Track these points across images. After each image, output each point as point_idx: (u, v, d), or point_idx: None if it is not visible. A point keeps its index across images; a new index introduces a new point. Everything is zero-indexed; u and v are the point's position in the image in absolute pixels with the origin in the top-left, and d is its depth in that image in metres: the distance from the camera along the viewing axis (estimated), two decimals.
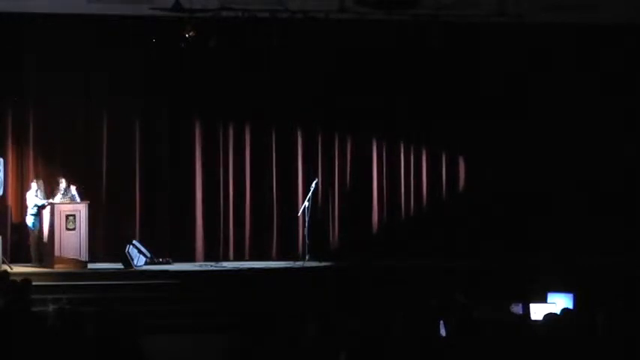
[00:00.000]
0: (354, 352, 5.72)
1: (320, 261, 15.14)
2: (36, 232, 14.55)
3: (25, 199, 14.74)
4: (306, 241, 15.14)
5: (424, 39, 15.28)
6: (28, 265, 14.49)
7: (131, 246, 14.71)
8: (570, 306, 9.50)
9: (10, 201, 15.11)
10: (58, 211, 14.07)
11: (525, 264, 14.58)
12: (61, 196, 14.48)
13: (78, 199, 14.43)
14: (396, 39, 15.48)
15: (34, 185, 14.64)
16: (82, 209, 14.22)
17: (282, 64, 15.73)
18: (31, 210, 14.54)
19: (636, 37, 16.37)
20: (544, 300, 9.73)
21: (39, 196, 14.52)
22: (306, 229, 15.14)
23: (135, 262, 14.50)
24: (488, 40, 15.80)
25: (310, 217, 15.10)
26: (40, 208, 14.43)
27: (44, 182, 14.83)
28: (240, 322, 11.25)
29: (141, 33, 15.35)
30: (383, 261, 15.12)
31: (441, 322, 7.84)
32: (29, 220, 14.58)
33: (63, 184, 14.60)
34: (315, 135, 16.29)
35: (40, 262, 14.42)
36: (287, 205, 16.02)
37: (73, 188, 14.54)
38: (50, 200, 14.36)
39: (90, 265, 14.30)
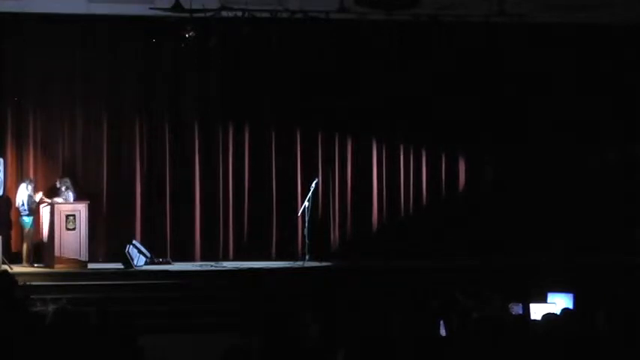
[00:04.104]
0: (353, 351, 5.72)
1: (320, 261, 15.14)
2: (31, 231, 14.54)
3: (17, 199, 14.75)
4: (306, 241, 15.13)
5: (424, 39, 15.29)
6: (28, 265, 14.48)
7: (131, 246, 14.71)
8: (570, 306, 9.48)
9: (10, 201, 15.10)
10: (58, 211, 14.07)
11: (525, 264, 14.59)
12: (59, 195, 14.48)
13: (71, 200, 14.44)
14: (396, 39, 15.48)
15: (26, 185, 14.61)
16: (82, 209, 14.21)
17: (282, 64, 15.74)
18: (24, 210, 14.54)
19: (636, 38, 16.39)
20: (544, 300, 9.71)
21: (30, 195, 14.52)
22: (306, 229, 15.13)
23: (135, 262, 14.50)
24: (488, 40, 15.80)
25: (310, 217, 15.10)
26: (33, 207, 14.45)
27: (42, 181, 14.87)
28: (240, 322, 11.30)
29: (141, 33, 15.38)
30: (383, 261, 15.12)
31: (441, 321, 7.84)
32: (26, 220, 14.57)
33: (67, 183, 14.62)
34: (315, 135, 16.29)
35: (33, 263, 14.41)
36: (287, 205, 16.02)
37: (69, 192, 14.56)
38: (39, 197, 14.38)
39: (90, 265, 14.30)
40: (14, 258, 14.60)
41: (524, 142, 16.41)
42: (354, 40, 15.59)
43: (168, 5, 14.15)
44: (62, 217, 14.05)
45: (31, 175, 15.07)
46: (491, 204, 16.32)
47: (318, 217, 15.90)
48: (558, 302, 9.47)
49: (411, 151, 16.61)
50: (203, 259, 15.53)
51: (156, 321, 12.18)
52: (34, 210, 14.51)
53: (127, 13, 15.08)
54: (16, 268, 13.83)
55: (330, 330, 7.09)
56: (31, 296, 9.78)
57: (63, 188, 14.58)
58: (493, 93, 16.33)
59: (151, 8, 14.49)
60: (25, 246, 14.66)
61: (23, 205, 14.51)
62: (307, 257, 15.03)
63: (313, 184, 15.25)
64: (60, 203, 14.28)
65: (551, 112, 16.38)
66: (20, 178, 15.15)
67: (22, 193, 14.58)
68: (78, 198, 14.58)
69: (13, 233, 15.07)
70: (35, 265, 14.42)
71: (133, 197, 15.65)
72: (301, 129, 16.24)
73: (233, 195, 16.02)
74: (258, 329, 6.76)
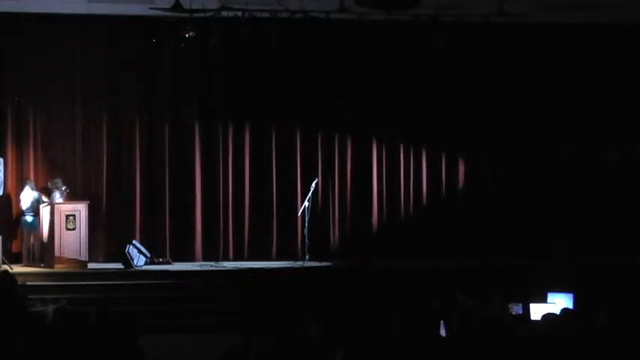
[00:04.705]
0: (353, 351, 5.73)
1: (320, 261, 15.14)
2: (38, 231, 14.54)
3: (21, 200, 14.74)
4: (306, 241, 15.12)
5: (424, 39, 15.29)
6: (28, 264, 14.48)
7: (131, 246, 14.72)
8: (570, 306, 9.49)
9: (10, 201, 15.11)
10: (58, 211, 14.06)
11: (525, 264, 14.59)
12: (56, 195, 14.49)
13: (57, 200, 14.41)
14: (396, 39, 15.48)
15: (30, 187, 14.62)
16: (82, 209, 14.20)
17: (282, 64, 15.74)
18: (30, 212, 14.54)
19: (636, 38, 16.40)
20: (544, 300, 9.72)
21: (36, 195, 14.54)
22: (306, 229, 15.13)
23: (135, 262, 14.50)
24: (489, 40, 15.79)
25: (310, 217, 15.10)
26: (37, 207, 14.46)
27: (42, 181, 14.88)
28: (240, 322, 11.30)
29: (141, 33, 15.39)
30: (383, 261, 15.12)
31: (441, 322, 7.84)
32: (29, 220, 14.57)
33: (58, 184, 14.62)
34: (315, 135, 16.29)
35: (32, 262, 14.40)
36: (287, 205, 16.01)
37: (57, 193, 14.56)
38: (44, 199, 14.41)
39: (90, 265, 14.30)
40: (14, 258, 14.61)
41: (524, 142, 16.40)
42: (354, 40, 15.59)
43: (168, 5, 14.14)
44: (62, 217, 14.04)
45: (31, 176, 15.07)
46: (491, 204, 16.31)
47: (318, 217, 15.89)
48: (558, 302, 9.48)
49: (411, 151, 16.61)
50: (203, 259, 15.53)
51: (156, 321, 12.17)
52: (38, 210, 14.51)
53: (127, 13, 15.07)
54: (16, 268, 13.83)
55: (330, 330, 7.08)
56: (31, 296, 9.79)
57: (53, 189, 14.58)
58: (493, 93, 16.31)
59: (151, 8, 14.48)
60: (25, 246, 14.66)
61: (31, 206, 14.49)
62: (307, 257, 15.03)
63: (313, 184, 15.25)
64: (60, 203, 14.29)
65: (551, 112, 16.37)
66: (20, 178, 15.15)
67: (28, 195, 14.56)
68: (68, 199, 14.57)
69: (13, 233, 15.07)
70: (35, 265, 14.42)
71: (132, 197, 15.64)
72: (301, 129, 16.24)
73: (233, 195, 16.02)
74: (258, 329, 6.76)
